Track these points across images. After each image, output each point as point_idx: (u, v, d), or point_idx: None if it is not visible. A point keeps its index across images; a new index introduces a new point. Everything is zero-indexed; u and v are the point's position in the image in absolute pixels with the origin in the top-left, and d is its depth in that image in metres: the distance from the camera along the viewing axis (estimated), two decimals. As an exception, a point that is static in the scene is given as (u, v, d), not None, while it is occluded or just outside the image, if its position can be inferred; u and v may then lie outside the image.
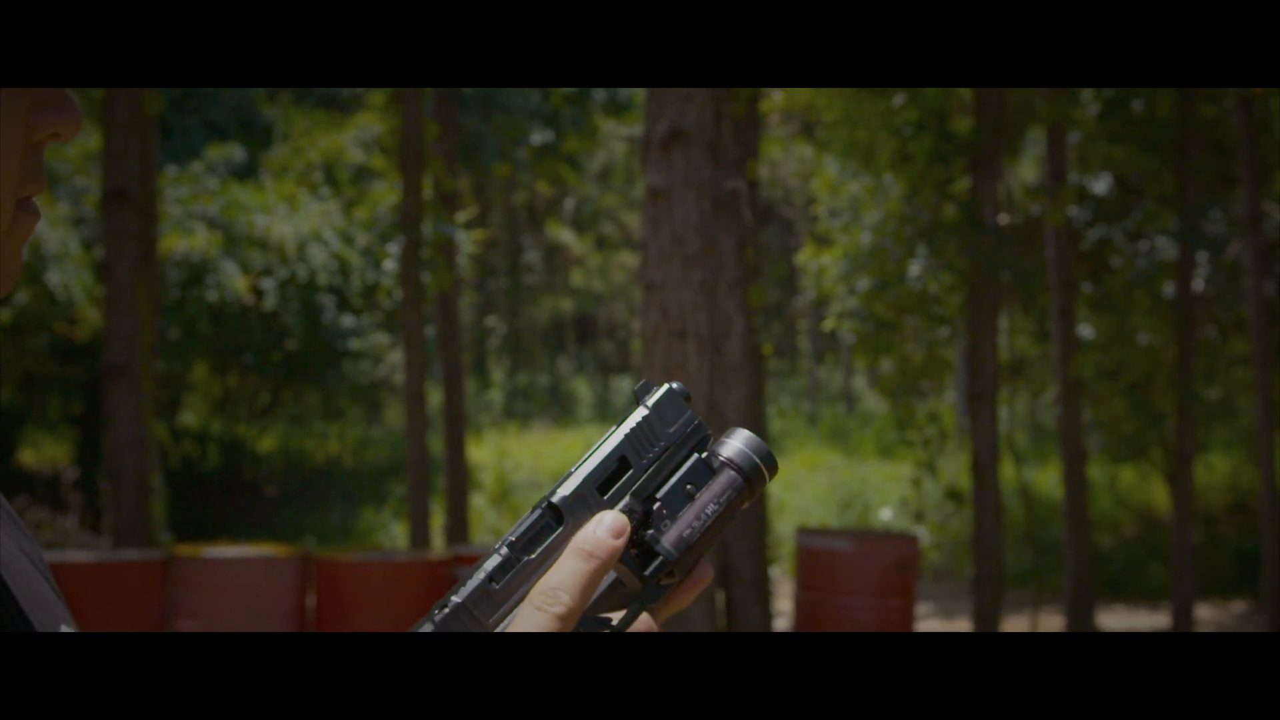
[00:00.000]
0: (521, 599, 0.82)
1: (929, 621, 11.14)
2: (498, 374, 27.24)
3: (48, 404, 15.19)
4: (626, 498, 0.85)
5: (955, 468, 13.53)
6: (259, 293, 13.66)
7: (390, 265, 13.81)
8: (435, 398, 14.14)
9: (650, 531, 0.85)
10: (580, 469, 0.84)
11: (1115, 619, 11.20)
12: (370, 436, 18.88)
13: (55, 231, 12.16)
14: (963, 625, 10.77)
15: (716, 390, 7.10)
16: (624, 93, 16.67)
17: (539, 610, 0.80)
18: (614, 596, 0.85)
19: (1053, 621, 10.34)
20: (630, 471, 0.85)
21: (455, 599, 0.81)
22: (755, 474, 0.87)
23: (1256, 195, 9.50)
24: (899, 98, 9.71)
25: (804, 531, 8.82)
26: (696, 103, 5.65)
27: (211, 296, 13.36)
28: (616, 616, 0.84)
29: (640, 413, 0.86)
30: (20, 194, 0.80)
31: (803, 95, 10.46)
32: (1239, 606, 11.82)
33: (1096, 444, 12.21)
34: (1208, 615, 11.28)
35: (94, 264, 12.13)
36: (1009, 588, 10.75)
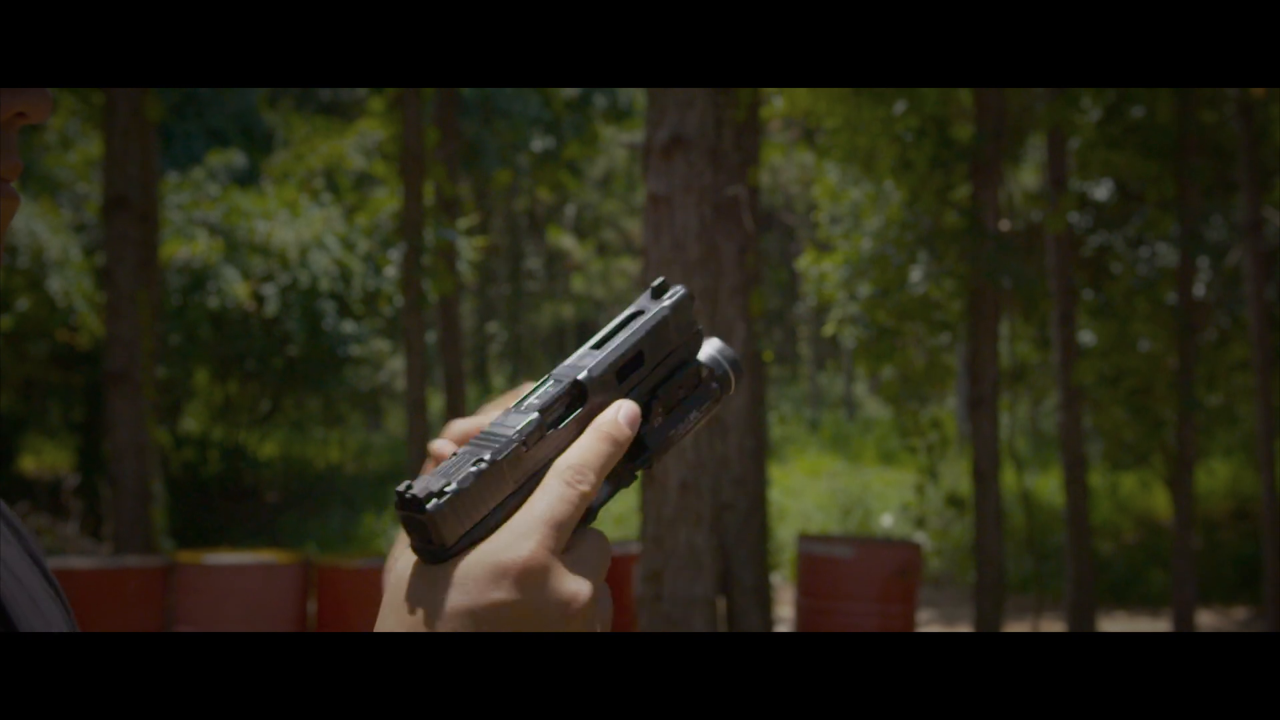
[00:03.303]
0: (543, 467, 0.83)
1: (930, 628, 11.14)
2: (499, 380, 27.21)
3: (49, 410, 15.19)
4: (636, 388, 0.88)
5: (956, 474, 13.53)
6: (260, 299, 13.67)
7: (391, 271, 13.81)
8: (436, 404, 14.14)
9: (645, 426, 0.89)
10: (604, 352, 0.87)
11: (1116, 625, 11.19)
12: (371, 442, 18.87)
13: (56, 238, 12.16)
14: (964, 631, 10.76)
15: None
16: (624, 99, 16.67)
17: (569, 485, 0.81)
18: None
19: (1054, 628, 10.33)
20: (642, 366, 0.89)
21: (489, 457, 0.81)
22: (728, 383, 0.92)
23: (1257, 201, 9.49)
24: (900, 104, 9.71)
25: (805, 538, 8.81)
26: (697, 109, 5.65)
27: (212, 303, 13.36)
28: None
29: (663, 313, 0.89)
30: None
31: (803, 101, 10.46)
32: (1240, 613, 11.81)
33: (1097, 450, 12.20)
34: (1209, 621, 11.27)
35: (95, 270, 12.13)
36: (1010, 594, 10.74)
